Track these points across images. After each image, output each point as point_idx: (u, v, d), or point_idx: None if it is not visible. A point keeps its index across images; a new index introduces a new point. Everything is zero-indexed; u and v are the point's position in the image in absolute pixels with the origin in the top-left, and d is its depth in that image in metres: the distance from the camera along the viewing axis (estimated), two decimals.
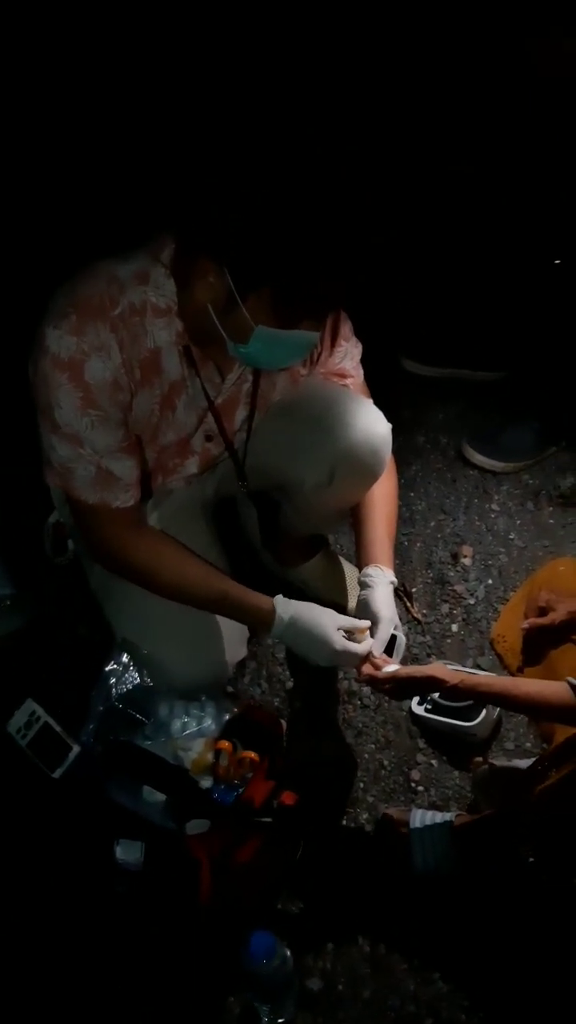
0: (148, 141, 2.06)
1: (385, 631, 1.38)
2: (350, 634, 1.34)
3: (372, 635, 1.37)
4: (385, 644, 1.38)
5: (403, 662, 1.41)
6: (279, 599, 1.34)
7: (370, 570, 1.43)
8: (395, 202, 1.90)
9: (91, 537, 1.36)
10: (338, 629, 1.32)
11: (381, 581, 1.41)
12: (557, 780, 1.18)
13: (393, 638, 1.39)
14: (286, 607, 1.33)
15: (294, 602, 1.34)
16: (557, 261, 1.73)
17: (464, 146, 1.82)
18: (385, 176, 1.83)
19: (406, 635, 1.50)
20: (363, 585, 1.42)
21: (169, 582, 1.36)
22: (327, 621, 1.32)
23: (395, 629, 1.40)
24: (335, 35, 1.89)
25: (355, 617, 1.39)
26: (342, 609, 1.66)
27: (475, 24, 1.65)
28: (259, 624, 1.36)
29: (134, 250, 1.24)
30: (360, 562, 1.47)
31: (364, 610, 1.40)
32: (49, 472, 1.31)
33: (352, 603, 1.61)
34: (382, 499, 1.51)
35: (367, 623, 1.36)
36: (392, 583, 1.43)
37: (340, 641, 1.31)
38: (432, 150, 1.90)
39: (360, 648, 1.33)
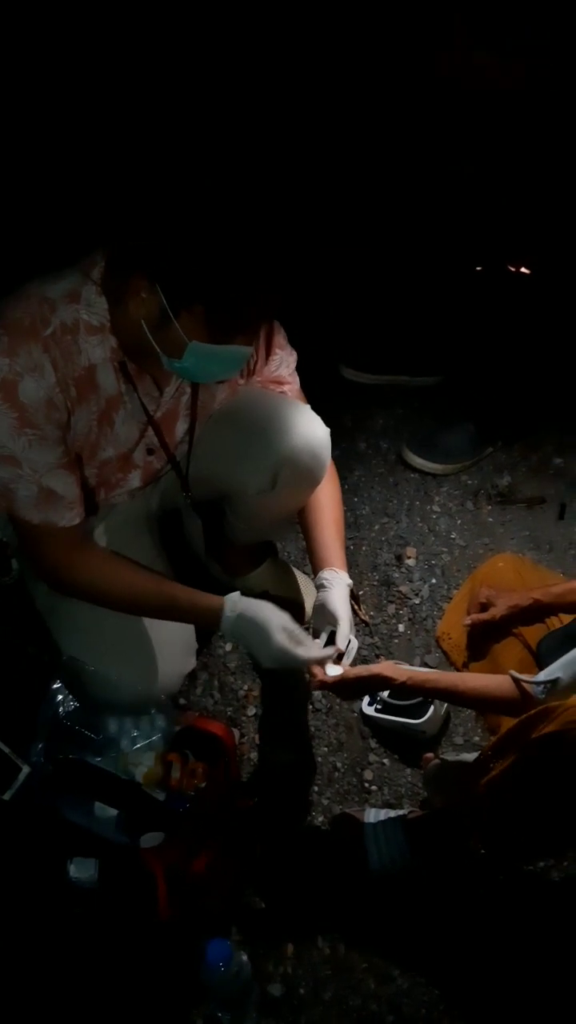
0: (77, 160, 2.07)
1: (345, 632, 1.38)
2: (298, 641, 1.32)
3: (332, 639, 1.38)
4: (348, 646, 1.38)
5: (352, 663, 1.44)
6: (230, 596, 1.34)
7: (325, 573, 1.44)
8: (325, 217, 1.94)
9: (37, 558, 1.36)
10: (285, 630, 1.31)
11: (338, 583, 1.43)
12: (499, 772, 1.21)
13: (347, 642, 1.40)
14: (235, 604, 1.32)
15: (245, 599, 1.33)
16: (478, 268, 1.78)
17: (397, 156, 1.87)
18: (314, 191, 1.88)
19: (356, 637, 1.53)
20: (319, 588, 1.44)
21: (119, 595, 1.36)
22: (274, 621, 1.31)
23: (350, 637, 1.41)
24: (259, 58, 1.93)
25: (314, 620, 1.41)
26: (300, 611, 1.68)
27: (382, 44, 1.71)
28: (211, 623, 1.35)
29: (64, 269, 1.25)
30: (314, 566, 1.49)
31: (322, 612, 1.41)
32: None
33: (309, 605, 1.62)
34: (329, 503, 1.53)
35: (320, 642, 1.36)
36: (348, 585, 1.45)
37: (281, 643, 1.30)
38: (359, 162, 1.94)
39: (302, 654, 1.31)
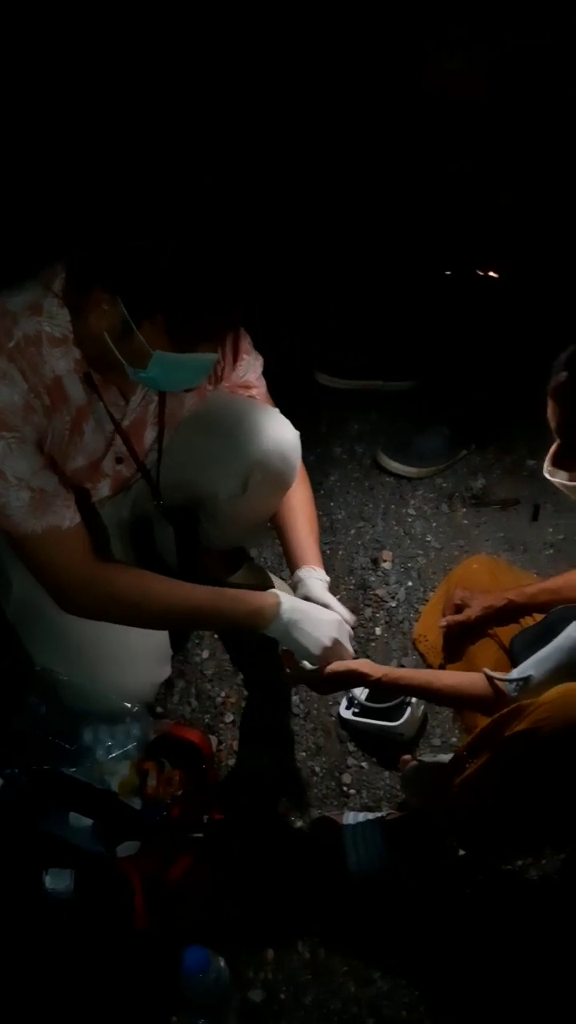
0: (34, 172, 2.07)
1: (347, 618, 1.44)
2: None
3: None
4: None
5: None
6: (281, 593, 1.38)
7: (302, 572, 1.46)
8: (290, 225, 1.96)
9: (57, 584, 1.29)
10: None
11: (316, 578, 1.45)
12: (474, 771, 1.22)
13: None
14: (287, 600, 1.36)
15: (291, 598, 1.38)
16: (448, 272, 1.80)
17: (365, 162, 1.89)
18: (275, 202, 1.90)
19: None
20: (298, 585, 1.45)
21: (155, 609, 1.33)
22: (330, 617, 1.38)
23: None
24: (221, 71, 1.94)
25: None
26: None
27: (351, 55, 1.72)
28: (259, 622, 1.35)
29: (25, 280, 1.25)
30: (291, 566, 1.50)
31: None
32: None
33: None
34: (301, 504, 1.55)
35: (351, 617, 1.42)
36: (325, 581, 1.47)
37: (339, 610, 1.39)
38: (327, 169, 1.96)
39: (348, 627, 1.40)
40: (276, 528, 1.57)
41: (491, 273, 1.75)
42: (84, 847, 1.26)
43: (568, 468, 1.14)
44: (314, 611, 1.37)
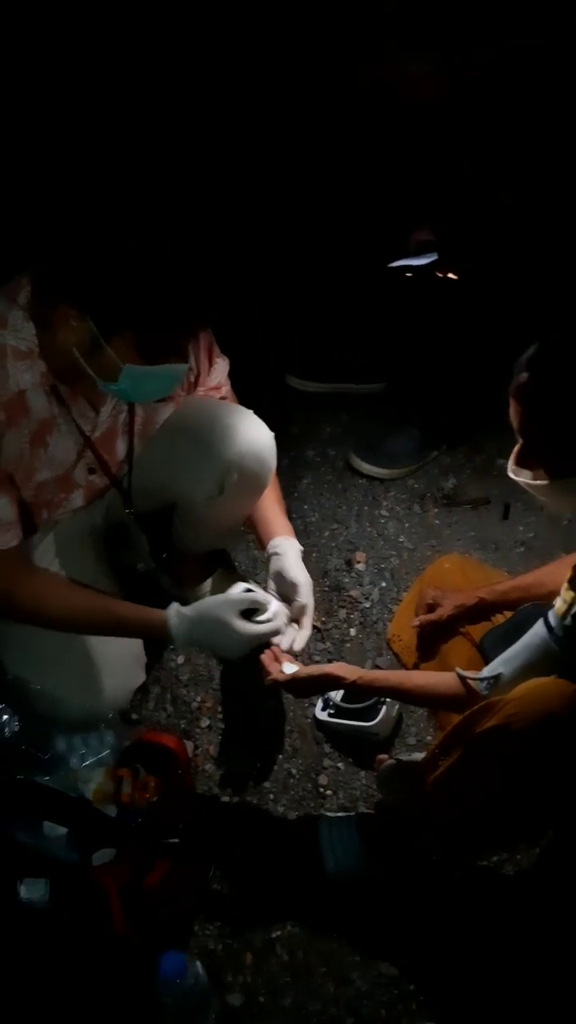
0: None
1: (306, 595, 1.45)
2: (254, 613, 1.36)
3: (294, 600, 1.44)
4: (309, 609, 1.44)
5: (305, 664, 1.46)
6: (173, 606, 1.36)
7: (275, 541, 1.49)
8: (252, 240, 1.97)
9: None
10: (240, 614, 1.34)
11: (290, 548, 1.48)
12: (446, 769, 1.23)
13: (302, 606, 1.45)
14: (180, 616, 1.35)
15: (187, 607, 1.36)
16: (408, 274, 1.81)
17: (327, 167, 1.90)
18: (242, 209, 1.91)
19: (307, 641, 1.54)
20: (272, 556, 1.47)
21: (63, 617, 1.36)
22: (227, 611, 1.34)
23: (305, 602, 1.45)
24: (179, 84, 1.94)
25: (275, 585, 1.46)
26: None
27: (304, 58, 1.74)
28: (161, 636, 1.37)
29: None
30: (263, 539, 1.53)
31: (281, 579, 1.46)
32: None
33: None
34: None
35: (269, 597, 1.40)
36: (299, 549, 1.49)
37: (245, 628, 1.34)
38: (290, 176, 1.97)
39: (266, 628, 1.35)
40: None
41: (450, 275, 1.77)
42: (59, 856, 1.26)
43: (531, 467, 1.15)
44: (212, 632, 1.33)
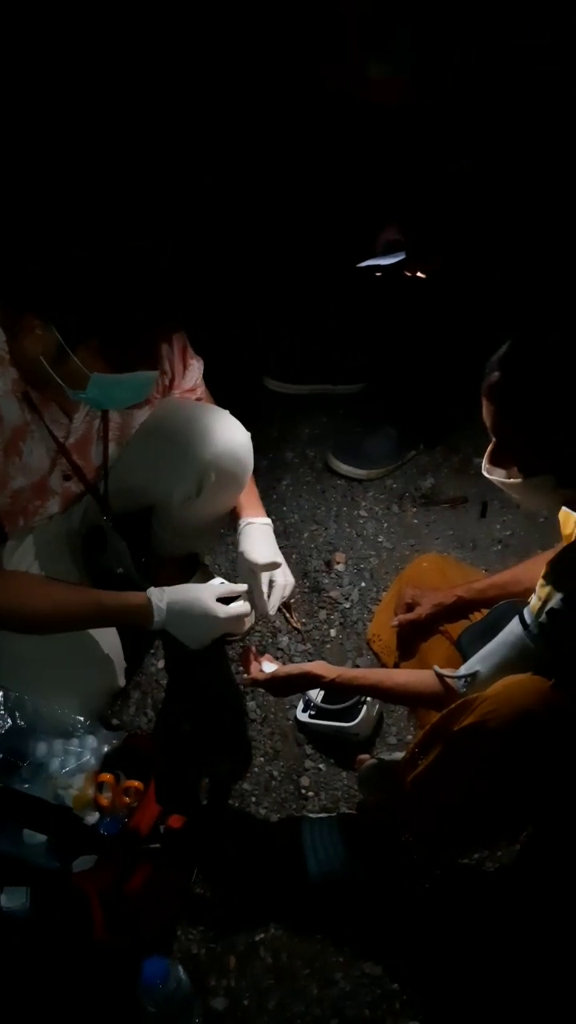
0: None
1: (278, 576, 1.47)
2: (229, 601, 1.38)
3: (259, 585, 1.46)
4: (280, 589, 1.47)
5: (284, 663, 1.47)
6: (152, 589, 1.37)
7: (241, 522, 1.51)
8: (228, 244, 1.97)
9: None
10: (217, 599, 1.36)
11: (257, 526, 1.50)
12: (425, 767, 1.23)
13: (271, 584, 1.47)
14: (161, 595, 1.36)
15: (168, 588, 1.37)
16: (378, 274, 1.82)
17: (296, 167, 1.90)
18: (208, 215, 1.91)
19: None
20: (240, 538, 1.49)
21: (45, 613, 1.35)
22: (204, 595, 1.36)
23: (274, 572, 1.47)
24: (137, 89, 1.94)
25: (241, 566, 1.47)
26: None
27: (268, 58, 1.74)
28: (141, 620, 1.37)
29: None
30: (233, 521, 1.54)
31: (244, 561, 1.47)
32: None
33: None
34: None
35: (243, 587, 1.41)
36: (267, 524, 1.51)
37: (222, 609, 1.35)
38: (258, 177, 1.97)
39: (238, 610, 1.37)
40: None
41: (419, 274, 1.78)
42: (39, 863, 1.25)
43: (504, 466, 1.16)
44: (189, 611, 1.35)
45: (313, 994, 1.32)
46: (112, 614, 1.39)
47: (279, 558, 1.49)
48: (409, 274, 1.79)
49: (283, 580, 1.49)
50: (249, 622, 1.44)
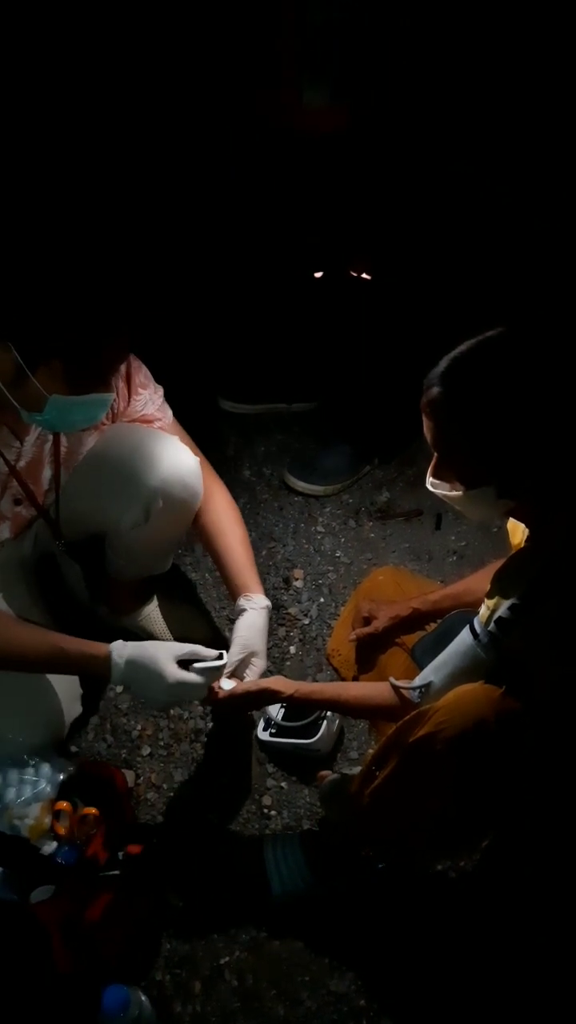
0: None
1: (259, 662, 1.44)
2: (191, 663, 1.32)
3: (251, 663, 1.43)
4: (234, 666, 1.42)
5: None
6: (116, 644, 1.32)
7: (240, 601, 1.49)
8: (180, 257, 1.98)
9: None
10: (178, 660, 1.31)
11: (253, 608, 1.47)
12: (382, 780, 1.24)
13: (245, 662, 1.44)
14: (122, 650, 1.31)
15: (131, 643, 1.32)
16: (318, 274, 1.83)
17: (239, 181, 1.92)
18: (162, 233, 1.92)
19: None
20: (238, 616, 1.47)
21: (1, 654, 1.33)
22: (162, 654, 1.30)
23: (254, 655, 1.44)
24: (94, 105, 1.95)
25: (234, 643, 1.44)
26: (206, 642, 1.66)
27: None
28: (101, 672, 1.31)
29: None
30: (232, 593, 1.52)
31: (240, 642, 1.44)
32: None
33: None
34: (230, 526, 1.56)
35: (210, 651, 1.35)
36: (266, 607, 1.48)
37: (175, 673, 1.29)
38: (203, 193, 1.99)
39: (192, 678, 1.31)
40: (211, 554, 1.59)
41: (363, 275, 1.80)
42: None
43: (447, 479, 1.18)
44: (145, 670, 1.29)
45: (280, 1015, 1.31)
46: (73, 662, 1.33)
47: (258, 647, 1.46)
48: (355, 274, 1.80)
49: (259, 666, 1.45)
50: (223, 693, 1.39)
